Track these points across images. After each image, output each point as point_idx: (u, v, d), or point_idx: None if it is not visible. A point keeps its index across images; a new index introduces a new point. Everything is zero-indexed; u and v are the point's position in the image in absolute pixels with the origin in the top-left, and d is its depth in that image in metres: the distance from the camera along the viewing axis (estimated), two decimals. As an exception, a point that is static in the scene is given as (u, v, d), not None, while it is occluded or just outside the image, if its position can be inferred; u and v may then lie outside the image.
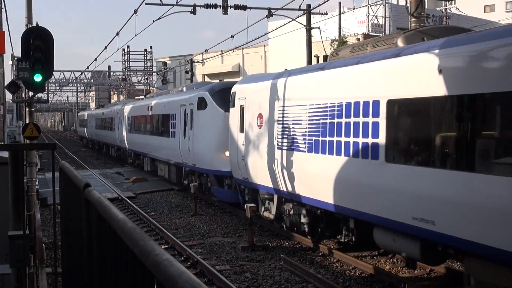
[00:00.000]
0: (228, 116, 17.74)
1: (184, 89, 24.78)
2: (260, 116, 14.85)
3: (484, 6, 66.11)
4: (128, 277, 2.58)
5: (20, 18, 14.64)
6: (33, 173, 13.87)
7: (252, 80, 16.43)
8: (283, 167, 13.36)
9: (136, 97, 56.54)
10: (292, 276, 11.37)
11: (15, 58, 17.99)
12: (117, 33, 26.70)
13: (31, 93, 14.01)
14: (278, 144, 13.72)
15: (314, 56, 29.61)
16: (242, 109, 16.20)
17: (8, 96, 22.01)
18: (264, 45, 55.81)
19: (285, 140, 13.31)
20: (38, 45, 11.66)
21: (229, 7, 23.28)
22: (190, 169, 21.71)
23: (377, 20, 46.87)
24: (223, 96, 18.99)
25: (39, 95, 14.65)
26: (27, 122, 14.33)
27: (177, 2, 21.41)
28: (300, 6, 24.97)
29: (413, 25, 13.03)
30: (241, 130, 16.19)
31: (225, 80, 29.84)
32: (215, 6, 23.31)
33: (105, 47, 32.66)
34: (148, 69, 67.65)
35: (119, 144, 37.27)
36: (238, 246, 14.04)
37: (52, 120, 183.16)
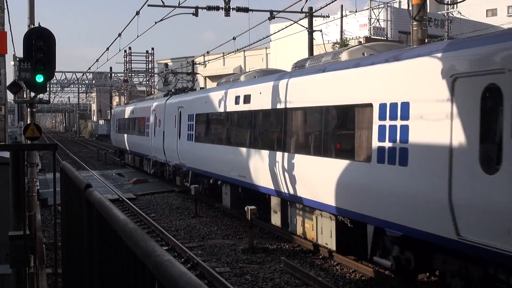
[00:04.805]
0: None
1: None
2: None
3: (486, 10, 66.14)
4: (129, 278, 2.57)
5: (22, 19, 14.67)
6: (34, 173, 13.88)
7: None
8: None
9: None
10: (292, 279, 11.36)
11: (17, 59, 17.98)
12: (119, 35, 26.72)
13: (32, 94, 14.02)
14: None
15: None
16: None
17: (10, 96, 22.01)
18: (266, 48, 55.86)
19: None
20: (40, 45, 11.68)
21: (231, 9, 23.25)
22: None
23: (379, 24, 46.89)
24: None
25: (41, 95, 14.65)
26: (28, 122, 14.35)
27: (179, 4, 21.42)
28: (302, 8, 24.94)
29: (414, 28, 13.02)
30: None
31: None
32: (217, 8, 23.28)
33: (107, 48, 32.75)
34: (149, 70, 67.75)
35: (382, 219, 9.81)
36: (239, 248, 14.03)
37: (53, 121, 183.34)
